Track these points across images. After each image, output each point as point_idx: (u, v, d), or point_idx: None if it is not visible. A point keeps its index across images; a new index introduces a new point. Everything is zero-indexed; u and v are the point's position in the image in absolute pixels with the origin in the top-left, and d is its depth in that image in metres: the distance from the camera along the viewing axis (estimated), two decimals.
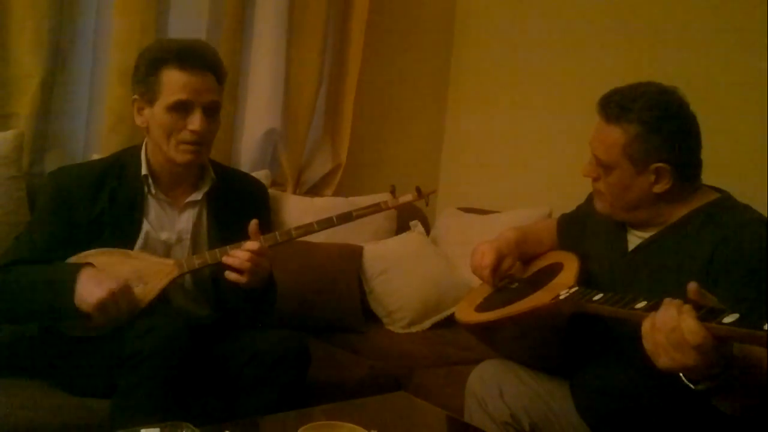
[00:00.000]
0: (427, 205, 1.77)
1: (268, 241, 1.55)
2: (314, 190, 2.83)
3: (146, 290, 1.51)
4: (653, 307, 1.06)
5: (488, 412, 1.47)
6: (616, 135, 1.32)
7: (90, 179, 1.58)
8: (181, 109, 1.53)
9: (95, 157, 2.16)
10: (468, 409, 1.54)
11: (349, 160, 2.86)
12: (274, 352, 1.52)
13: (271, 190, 2.48)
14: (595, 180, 1.41)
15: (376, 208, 1.67)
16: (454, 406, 1.67)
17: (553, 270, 1.48)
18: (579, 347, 1.44)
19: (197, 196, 1.65)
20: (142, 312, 1.49)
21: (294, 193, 2.70)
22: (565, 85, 2.80)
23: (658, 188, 1.33)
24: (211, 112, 1.57)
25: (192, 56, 1.54)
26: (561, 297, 1.30)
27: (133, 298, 1.48)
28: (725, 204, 1.35)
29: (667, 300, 1.05)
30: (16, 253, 1.54)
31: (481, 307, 1.52)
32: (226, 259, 1.52)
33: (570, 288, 1.32)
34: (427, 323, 2.43)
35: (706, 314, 0.99)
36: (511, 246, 1.60)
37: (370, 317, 2.42)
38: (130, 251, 1.56)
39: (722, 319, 0.96)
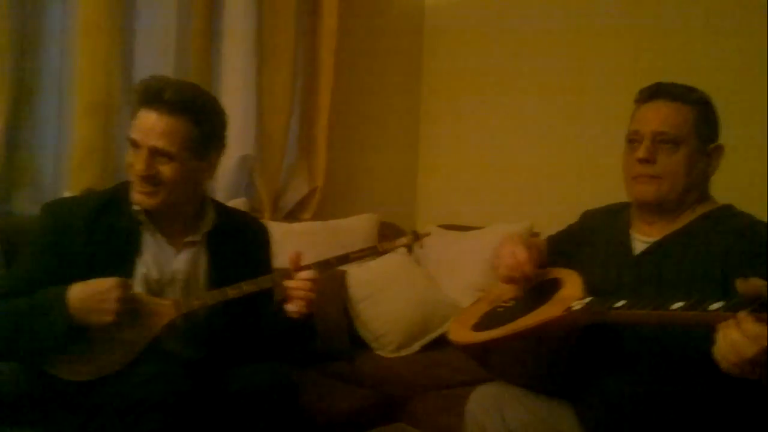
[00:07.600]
0: (421, 248, 1.84)
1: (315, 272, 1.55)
2: (292, 215, 2.79)
3: (143, 331, 1.46)
4: (693, 306, 1.05)
5: None
6: (685, 111, 1.39)
7: (86, 213, 1.52)
8: (134, 147, 1.49)
9: (66, 194, 2.11)
10: None
11: (325, 183, 2.82)
12: (258, 386, 1.48)
13: None
14: (652, 163, 1.39)
15: (372, 251, 1.71)
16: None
17: (553, 285, 1.43)
18: (585, 364, 1.40)
19: (196, 236, 1.60)
20: (139, 355, 1.45)
21: (271, 219, 2.64)
22: (538, 96, 2.79)
23: (712, 170, 1.41)
24: (160, 155, 1.47)
25: (151, 96, 1.46)
26: (574, 308, 1.26)
27: (130, 290, 1.44)
28: (731, 211, 1.40)
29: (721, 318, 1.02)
30: (6, 286, 1.48)
31: (480, 327, 1.47)
32: (288, 283, 1.52)
33: (581, 299, 1.28)
34: (416, 346, 2.39)
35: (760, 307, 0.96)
36: (527, 241, 1.56)
37: (358, 343, 2.37)
38: None
39: None
